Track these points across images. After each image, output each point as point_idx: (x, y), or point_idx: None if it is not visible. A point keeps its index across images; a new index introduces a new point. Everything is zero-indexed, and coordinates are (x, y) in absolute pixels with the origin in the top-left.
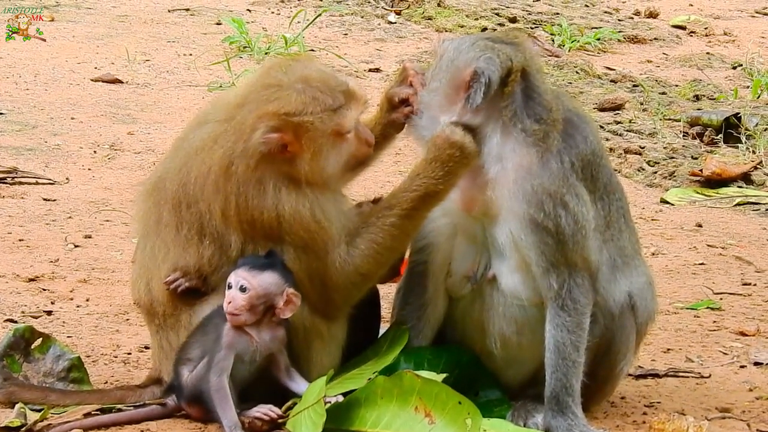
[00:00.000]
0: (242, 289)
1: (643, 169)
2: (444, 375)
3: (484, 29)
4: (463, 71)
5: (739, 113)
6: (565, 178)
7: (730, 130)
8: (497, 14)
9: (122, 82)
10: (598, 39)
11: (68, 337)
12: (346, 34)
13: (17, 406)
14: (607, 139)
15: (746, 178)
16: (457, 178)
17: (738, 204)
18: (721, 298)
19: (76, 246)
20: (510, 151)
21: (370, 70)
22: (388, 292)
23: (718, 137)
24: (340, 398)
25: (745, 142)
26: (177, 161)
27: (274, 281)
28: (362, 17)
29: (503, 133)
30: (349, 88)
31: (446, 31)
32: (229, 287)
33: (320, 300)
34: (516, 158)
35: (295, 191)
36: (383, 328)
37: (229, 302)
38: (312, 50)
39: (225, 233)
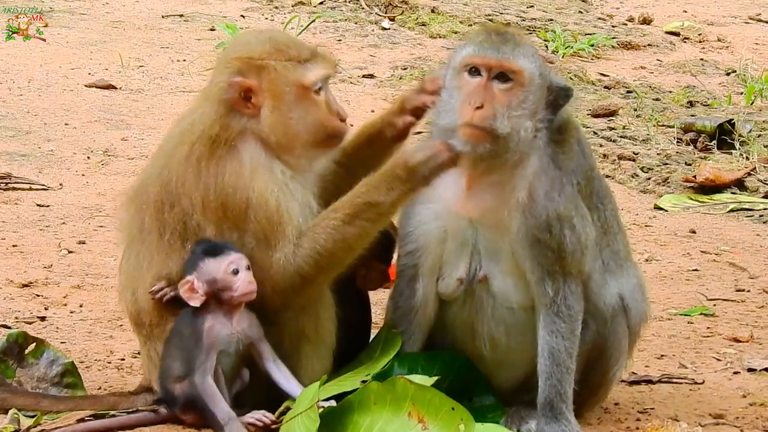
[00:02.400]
0: (248, 268)
1: (637, 176)
2: (435, 378)
3: None
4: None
5: (732, 119)
6: (575, 200)
7: (723, 136)
8: (491, 20)
9: (116, 88)
10: (592, 45)
11: (62, 342)
12: (339, 40)
13: (10, 411)
14: (601, 146)
15: (740, 185)
16: (399, 197)
17: (731, 210)
18: (714, 305)
19: (69, 252)
20: (540, 172)
21: (363, 76)
22: (381, 298)
23: (711, 143)
24: (333, 403)
25: (739, 149)
26: (157, 166)
27: None
28: (356, 23)
29: (534, 153)
30: (316, 49)
31: (440, 37)
32: (237, 272)
33: (259, 299)
34: (541, 178)
35: (268, 171)
36: (375, 332)
37: (250, 282)
38: None
39: (205, 230)
